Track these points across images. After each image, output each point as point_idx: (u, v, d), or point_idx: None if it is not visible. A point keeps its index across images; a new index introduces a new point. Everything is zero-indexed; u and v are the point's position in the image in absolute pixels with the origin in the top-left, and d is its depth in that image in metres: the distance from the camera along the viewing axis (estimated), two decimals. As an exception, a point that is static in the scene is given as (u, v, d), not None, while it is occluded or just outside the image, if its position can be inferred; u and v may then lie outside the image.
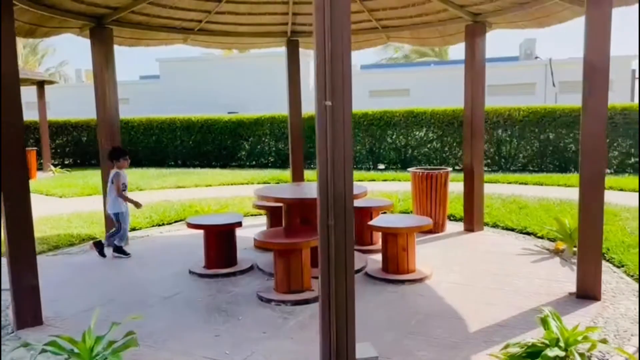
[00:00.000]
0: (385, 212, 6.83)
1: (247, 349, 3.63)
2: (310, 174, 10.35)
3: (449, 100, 17.21)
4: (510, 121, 14.34)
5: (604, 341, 3.23)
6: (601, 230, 4.34)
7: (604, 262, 4.95)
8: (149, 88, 28.53)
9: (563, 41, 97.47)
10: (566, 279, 4.96)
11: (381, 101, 23.30)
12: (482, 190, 7.08)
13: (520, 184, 11.70)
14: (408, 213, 8.13)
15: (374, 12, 7.49)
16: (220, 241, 5.51)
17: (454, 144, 14.92)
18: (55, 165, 17.65)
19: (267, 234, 4.96)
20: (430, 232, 6.96)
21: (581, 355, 3.07)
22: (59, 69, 41.88)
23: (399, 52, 35.49)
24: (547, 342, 3.15)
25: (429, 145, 15.29)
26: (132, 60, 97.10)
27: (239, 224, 5.57)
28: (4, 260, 4.11)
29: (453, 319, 4.11)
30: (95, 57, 6.55)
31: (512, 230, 7.14)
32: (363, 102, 21.73)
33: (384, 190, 10.49)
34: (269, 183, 12.69)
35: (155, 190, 12.18)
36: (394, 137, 15.63)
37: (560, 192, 10.00)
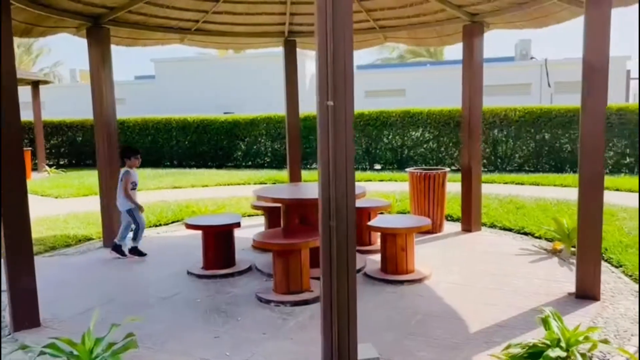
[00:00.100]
0: (382, 213, 6.83)
1: (247, 350, 3.62)
2: (305, 174, 10.33)
3: (445, 100, 17.23)
4: (506, 121, 14.37)
5: (606, 341, 3.23)
6: (600, 230, 4.35)
7: (602, 262, 4.95)
8: (145, 88, 28.43)
9: (558, 42, 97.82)
10: (565, 279, 4.96)
11: (377, 101, 23.31)
12: (479, 190, 7.09)
13: (516, 184, 11.72)
14: (405, 213, 8.13)
15: (371, 12, 7.49)
16: (218, 242, 5.49)
17: (450, 144, 14.94)
18: (50, 166, 17.55)
19: (265, 234, 4.94)
20: (428, 232, 6.95)
21: (583, 355, 3.07)
22: (53, 69, 41.68)
23: (394, 52, 35.50)
24: (548, 342, 3.14)
25: (425, 146, 15.29)
26: (127, 61, 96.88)
27: (238, 225, 5.55)
28: (1, 262, 4.08)
29: (453, 320, 4.10)
30: (92, 57, 6.51)
31: (510, 230, 7.15)
32: (359, 102, 21.51)
33: (380, 191, 10.48)
34: (265, 183, 12.67)
35: (152, 190, 12.14)
36: (390, 137, 15.63)
37: (557, 192, 10.02)
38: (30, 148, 16.82)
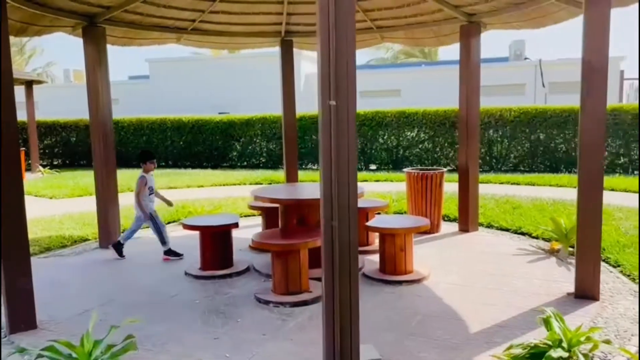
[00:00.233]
0: (380, 213, 6.82)
1: (247, 351, 3.59)
2: (301, 175, 10.30)
3: (441, 100, 17.23)
4: (501, 121, 14.40)
5: (608, 342, 3.23)
6: (600, 230, 4.35)
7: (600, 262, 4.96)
8: (139, 88, 28.30)
9: (552, 42, 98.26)
10: (563, 279, 4.96)
11: (372, 101, 23.27)
12: (477, 190, 7.08)
13: (512, 184, 11.74)
14: (402, 214, 8.12)
15: (368, 12, 7.48)
16: (216, 242, 5.46)
17: (446, 145, 14.95)
18: (43, 166, 17.44)
19: (264, 235, 4.92)
20: (425, 232, 6.95)
21: (584, 355, 3.06)
22: (46, 69, 41.44)
23: (389, 52, 35.50)
24: (550, 343, 3.14)
25: (420, 146, 15.30)
26: (121, 61, 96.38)
27: (236, 225, 5.52)
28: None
29: (453, 320, 4.09)
30: (88, 56, 6.47)
31: (507, 230, 7.15)
32: (354, 102, 21.62)
33: (376, 191, 10.48)
34: (261, 184, 12.64)
35: (147, 191, 12.05)
36: (385, 137, 15.64)
37: (553, 192, 10.05)
38: (23, 148, 16.70)
